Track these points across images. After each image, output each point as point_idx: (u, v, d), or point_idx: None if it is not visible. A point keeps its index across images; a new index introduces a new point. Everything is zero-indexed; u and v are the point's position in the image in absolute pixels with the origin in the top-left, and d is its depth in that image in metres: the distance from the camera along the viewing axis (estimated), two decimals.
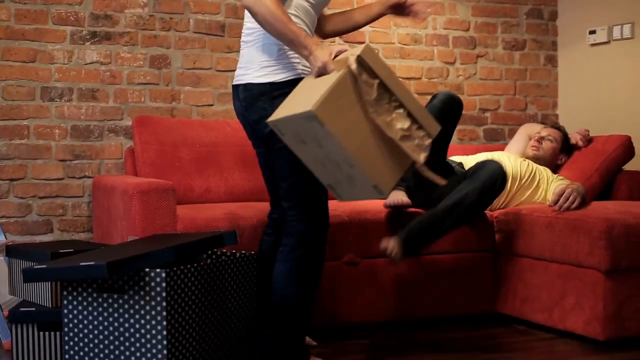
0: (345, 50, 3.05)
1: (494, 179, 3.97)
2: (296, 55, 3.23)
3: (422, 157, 2.98)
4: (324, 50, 3.05)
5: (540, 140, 4.80)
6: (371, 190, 2.99)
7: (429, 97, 5.46)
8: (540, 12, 5.92)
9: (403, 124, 2.96)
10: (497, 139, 5.77)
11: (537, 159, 4.72)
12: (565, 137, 4.86)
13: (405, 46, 5.50)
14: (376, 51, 3.00)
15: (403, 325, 4.17)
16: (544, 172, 4.57)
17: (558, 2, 5.95)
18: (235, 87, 3.39)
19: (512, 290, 4.25)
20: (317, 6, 3.37)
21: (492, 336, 4.09)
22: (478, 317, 4.38)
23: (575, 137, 4.90)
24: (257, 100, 3.28)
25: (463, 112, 5.57)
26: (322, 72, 3.03)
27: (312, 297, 3.40)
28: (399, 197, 4.09)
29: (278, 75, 3.25)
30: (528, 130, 5.09)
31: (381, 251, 3.83)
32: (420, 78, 5.54)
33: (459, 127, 5.60)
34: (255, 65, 3.29)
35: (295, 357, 3.38)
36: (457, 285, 4.29)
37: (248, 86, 3.30)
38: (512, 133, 5.72)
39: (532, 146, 4.79)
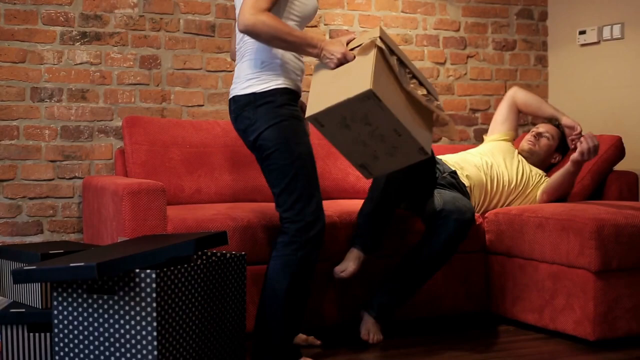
0: (354, 38, 3.28)
1: (462, 229, 3.92)
2: (280, 66, 3.38)
3: (444, 114, 3.38)
4: (335, 43, 3.24)
5: (538, 136, 4.73)
6: (416, 154, 3.27)
7: None
8: (530, 12, 5.93)
9: (422, 90, 3.29)
10: None
11: (531, 154, 4.69)
12: (562, 135, 4.78)
13: None
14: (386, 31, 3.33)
15: (394, 325, 4.16)
16: (536, 176, 4.57)
17: (548, 3, 5.96)
18: (228, 102, 3.53)
19: (503, 290, 4.26)
20: (303, 23, 3.47)
21: (483, 336, 4.09)
22: (469, 317, 4.39)
23: (581, 147, 4.34)
24: (242, 111, 3.41)
25: (454, 112, 5.60)
26: (342, 62, 3.20)
27: (303, 295, 3.44)
28: (351, 267, 3.93)
29: (260, 86, 3.37)
30: (517, 99, 4.88)
31: (362, 338, 3.91)
32: None
33: None
34: (242, 79, 3.43)
35: (284, 355, 3.39)
36: (448, 285, 4.29)
37: (235, 98, 3.45)
38: None
39: (529, 141, 4.73)
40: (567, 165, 4.38)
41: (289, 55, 3.41)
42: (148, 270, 2.98)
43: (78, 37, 4.71)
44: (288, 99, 3.41)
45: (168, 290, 3.02)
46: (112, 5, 4.77)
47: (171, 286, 3.04)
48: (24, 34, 4.60)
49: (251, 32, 3.23)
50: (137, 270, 2.98)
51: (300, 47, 3.26)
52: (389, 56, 3.17)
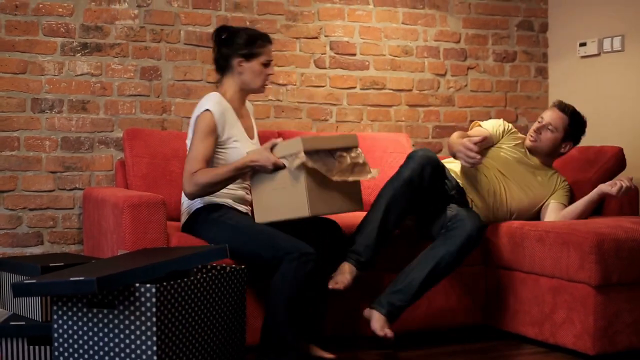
0: (276, 143, 3.72)
1: (472, 239, 3.92)
2: None
3: (372, 174, 3.81)
4: (260, 153, 3.72)
5: (540, 130, 4.44)
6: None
7: (420, 109, 5.53)
8: (530, 24, 5.94)
9: (344, 163, 3.72)
10: None
11: (535, 150, 4.48)
12: (572, 122, 4.45)
13: (396, 58, 5.51)
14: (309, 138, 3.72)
15: (395, 338, 4.16)
16: (555, 185, 4.47)
17: (549, 14, 5.97)
18: None
19: (503, 304, 4.25)
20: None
21: (483, 350, 4.09)
22: (469, 330, 4.39)
23: (620, 183, 4.19)
24: None
25: (454, 123, 5.60)
26: (276, 167, 3.68)
27: (305, 305, 3.64)
28: (345, 278, 3.89)
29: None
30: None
31: (377, 335, 3.87)
32: (411, 90, 5.55)
33: (449, 138, 5.59)
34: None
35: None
36: (448, 298, 4.28)
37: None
38: None
39: (530, 137, 4.47)
40: (593, 195, 4.29)
41: None
42: (148, 285, 2.98)
43: (79, 48, 4.71)
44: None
45: (168, 304, 3.03)
46: (112, 17, 4.77)
47: (171, 300, 3.04)
48: (25, 45, 4.60)
49: (196, 196, 3.79)
50: (137, 285, 2.99)
51: (235, 178, 3.79)
52: (317, 165, 3.60)
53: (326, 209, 3.69)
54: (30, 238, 4.63)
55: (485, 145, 4.41)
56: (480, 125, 4.59)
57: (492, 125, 4.57)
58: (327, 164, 3.64)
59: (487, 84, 5.80)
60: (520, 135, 4.63)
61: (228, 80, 3.99)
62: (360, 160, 3.77)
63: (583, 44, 5.63)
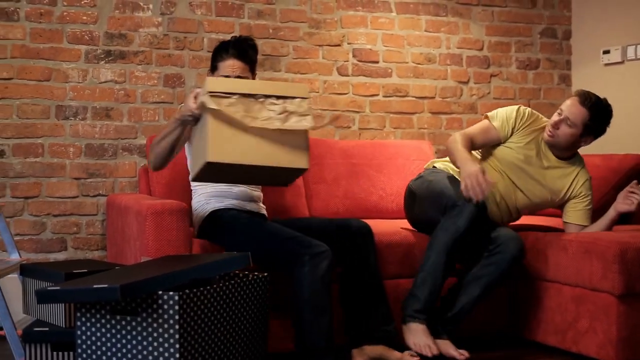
0: (199, 91, 3.47)
1: (516, 260, 3.95)
2: None
3: (304, 124, 3.41)
4: (182, 109, 3.56)
5: (558, 124, 4.12)
6: (296, 172, 3.53)
7: (442, 117, 5.52)
8: (554, 31, 5.93)
9: (277, 110, 3.38)
10: None
11: (553, 146, 4.21)
12: (592, 116, 4.11)
13: (419, 65, 5.51)
14: (216, 79, 3.61)
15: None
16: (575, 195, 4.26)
17: (572, 22, 5.96)
18: None
19: (526, 312, 4.24)
20: None
21: (506, 358, 4.08)
22: (492, 338, 4.37)
23: (633, 203, 4.07)
24: None
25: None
26: (195, 116, 3.48)
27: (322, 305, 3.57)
28: (432, 341, 3.85)
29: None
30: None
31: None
32: (434, 97, 5.55)
33: None
34: None
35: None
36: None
37: None
38: None
39: (548, 132, 4.16)
40: (613, 215, 4.13)
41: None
42: (171, 292, 2.99)
43: (103, 56, 4.74)
44: None
45: (191, 312, 3.03)
46: (136, 24, 4.80)
47: (194, 308, 3.05)
48: (49, 53, 4.64)
49: (155, 164, 3.81)
50: (160, 292, 2.99)
51: (170, 133, 3.68)
52: (224, 107, 3.33)
53: (240, 158, 3.37)
54: (54, 244, 4.66)
55: (489, 144, 4.28)
56: (488, 119, 4.28)
57: (502, 122, 4.23)
58: (248, 109, 3.38)
59: (510, 91, 5.79)
60: (541, 121, 4.29)
61: None
62: (301, 110, 3.44)
63: (607, 52, 5.62)
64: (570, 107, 4.10)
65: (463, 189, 3.78)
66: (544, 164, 4.24)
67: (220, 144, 3.33)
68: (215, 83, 3.40)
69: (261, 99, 3.39)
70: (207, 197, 3.98)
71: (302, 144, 3.44)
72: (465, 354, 3.81)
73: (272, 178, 3.62)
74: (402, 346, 3.85)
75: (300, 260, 3.55)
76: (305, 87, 3.49)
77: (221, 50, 3.90)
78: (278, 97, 3.41)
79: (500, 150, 4.26)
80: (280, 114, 3.38)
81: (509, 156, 4.24)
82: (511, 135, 4.24)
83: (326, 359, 3.53)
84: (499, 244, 3.95)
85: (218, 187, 3.98)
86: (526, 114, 4.26)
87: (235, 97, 3.36)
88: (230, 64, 3.86)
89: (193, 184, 4.02)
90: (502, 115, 4.25)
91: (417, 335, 3.80)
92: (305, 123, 3.39)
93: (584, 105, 4.09)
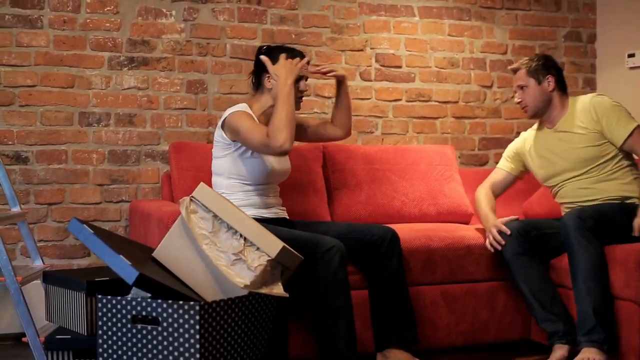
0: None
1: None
2: None
3: (238, 281, 3.15)
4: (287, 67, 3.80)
5: (519, 98, 4.28)
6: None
7: (466, 121, 5.50)
8: (578, 34, 5.89)
9: (236, 248, 3.24)
10: None
11: (536, 115, 4.27)
12: (531, 65, 4.23)
13: (442, 70, 5.50)
14: (209, 188, 3.43)
15: (437, 353, 4.14)
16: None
17: (597, 25, 5.92)
18: None
19: None
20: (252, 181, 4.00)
21: None
22: (513, 345, 4.35)
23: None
24: None
25: (500, 135, 5.57)
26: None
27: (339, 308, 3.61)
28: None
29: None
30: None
31: None
32: (457, 102, 5.53)
33: (495, 150, 5.58)
34: None
35: None
36: (492, 312, 4.26)
37: None
38: None
39: (522, 110, 4.32)
40: None
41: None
42: (192, 302, 3.00)
43: (126, 63, 4.76)
44: None
45: (213, 321, 3.04)
46: (159, 31, 4.82)
47: (216, 317, 3.06)
48: (73, 60, 4.66)
49: (289, 140, 3.71)
50: (181, 302, 3.01)
51: (290, 100, 3.77)
52: (199, 216, 3.32)
53: (176, 269, 3.35)
54: (78, 250, 4.68)
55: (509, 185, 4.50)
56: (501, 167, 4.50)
57: (509, 161, 4.46)
58: (215, 232, 3.32)
59: None
60: (532, 127, 4.46)
61: (261, 96, 4.02)
62: (253, 265, 3.23)
63: (632, 55, 5.58)
64: (514, 79, 4.30)
65: (487, 244, 4.15)
66: (559, 137, 4.25)
67: (167, 249, 3.37)
68: (204, 193, 3.38)
69: (232, 231, 3.29)
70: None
71: (227, 287, 3.25)
72: None
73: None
74: (424, 353, 3.85)
75: (312, 259, 3.57)
76: (278, 248, 3.26)
77: (292, 53, 3.94)
78: (246, 239, 3.28)
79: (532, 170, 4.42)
80: (235, 253, 3.23)
81: (534, 159, 4.36)
82: (524, 161, 4.43)
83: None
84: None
85: (244, 195, 3.97)
86: (521, 136, 4.49)
87: (210, 214, 3.32)
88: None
89: (221, 186, 4.01)
90: (505, 154, 4.51)
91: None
92: (240, 280, 3.16)
93: (519, 67, 4.27)
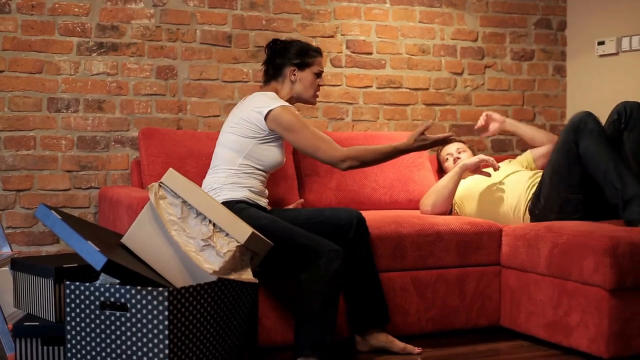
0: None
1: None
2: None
3: (207, 267, 3.14)
4: (420, 140, 4.01)
5: (458, 160, 4.88)
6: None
7: (436, 108, 5.51)
8: (549, 22, 5.91)
9: (205, 234, 3.22)
10: (505, 149, 5.76)
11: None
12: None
13: (412, 57, 5.50)
14: (178, 174, 3.40)
15: (406, 339, 4.15)
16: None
17: (567, 13, 5.94)
18: None
19: (517, 305, 4.24)
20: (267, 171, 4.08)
21: (496, 351, 4.08)
22: (482, 331, 4.37)
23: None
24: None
25: (471, 122, 5.58)
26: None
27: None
28: None
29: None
30: None
31: None
32: (427, 89, 5.54)
33: (466, 137, 5.59)
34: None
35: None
36: (463, 299, 4.28)
37: None
38: (519, 144, 5.72)
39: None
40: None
41: None
42: (160, 288, 2.99)
43: (95, 48, 4.72)
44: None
45: (181, 307, 3.03)
46: (128, 16, 4.78)
47: (185, 304, 3.05)
48: (41, 45, 4.62)
49: (350, 168, 3.93)
50: (150, 288, 2.99)
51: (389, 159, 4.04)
52: (168, 202, 3.30)
53: (145, 255, 3.34)
54: (46, 237, 4.65)
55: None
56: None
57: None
58: (184, 217, 3.31)
59: (504, 82, 5.78)
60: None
61: (279, 88, 4.12)
62: (222, 251, 3.22)
63: (601, 43, 5.61)
64: (454, 146, 4.98)
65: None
66: None
67: (136, 234, 3.36)
68: (173, 179, 3.36)
69: (200, 216, 3.28)
70: (222, 184, 3.97)
71: (196, 273, 3.26)
72: None
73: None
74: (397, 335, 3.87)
75: (316, 255, 3.64)
76: (247, 234, 3.25)
77: (310, 49, 4.14)
78: (215, 225, 3.27)
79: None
80: (204, 239, 3.21)
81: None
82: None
83: (326, 353, 3.58)
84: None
85: (253, 182, 4.00)
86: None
87: (179, 200, 3.31)
88: (320, 60, 4.16)
89: (215, 162, 4.06)
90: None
91: None
92: (208, 266, 3.14)
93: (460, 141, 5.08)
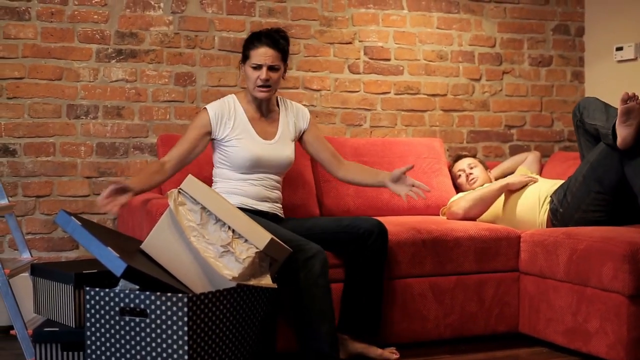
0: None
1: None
2: None
3: (227, 273, 3.14)
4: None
5: (470, 175, 4.98)
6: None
7: (454, 114, 5.51)
8: (567, 28, 5.90)
9: (224, 240, 3.23)
10: None
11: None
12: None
13: (430, 63, 5.50)
14: (197, 181, 3.42)
15: (426, 345, 4.15)
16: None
17: (585, 18, 5.93)
18: None
19: (536, 311, 4.23)
20: (236, 170, 4.03)
21: (515, 358, 4.07)
22: (501, 337, 4.36)
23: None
24: None
25: (489, 128, 5.58)
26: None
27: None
28: None
29: None
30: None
31: None
32: (445, 95, 5.54)
33: (483, 143, 5.58)
34: None
35: None
36: (481, 305, 4.27)
37: None
38: (537, 150, 5.70)
39: (471, 182, 4.97)
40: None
41: None
42: (180, 294, 3.00)
43: (114, 55, 4.75)
44: None
45: (201, 314, 3.04)
46: (147, 23, 4.81)
47: (204, 310, 3.05)
48: (61, 52, 4.65)
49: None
50: (169, 294, 3.00)
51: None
52: (187, 208, 3.31)
53: (164, 260, 3.35)
54: (66, 243, 4.67)
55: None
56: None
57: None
58: (204, 224, 3.32)
59: (522, 88, 5.77)
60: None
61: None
62: (242, 257, 3.22)
63: (620, 49, 5.59)
64: (466, 162, 5.10)
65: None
66: None
67: (155, 240, 3.36)
68: (192, 185, 3.38)
69: (219, 222, 3.29)
70: (221, 191, 3.98)
71: (215, 279, 3.25)
72: None
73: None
74: (412, 346, 3.86)
75: (294, 265, 3.57)
76: (266, 241, 3.25)
77: (253, 39, 3.93)
78: (234, 231, 3.27)
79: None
80: (223, 245, 3.22)
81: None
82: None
83: None
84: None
85: (236, 183, 3.99)
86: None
87: (198, 206, 3.32)
88: (263, 52, 3.88)
89: (216, 175, 4.09)
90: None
91: None
92: (228, 272, 3.14)
93: (471, 157, 5.21)
